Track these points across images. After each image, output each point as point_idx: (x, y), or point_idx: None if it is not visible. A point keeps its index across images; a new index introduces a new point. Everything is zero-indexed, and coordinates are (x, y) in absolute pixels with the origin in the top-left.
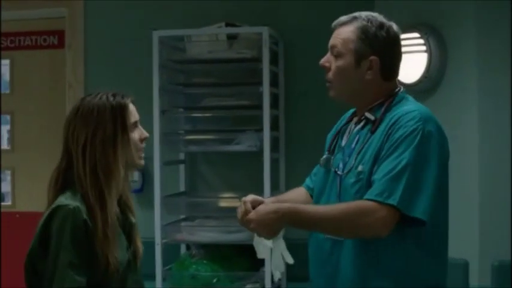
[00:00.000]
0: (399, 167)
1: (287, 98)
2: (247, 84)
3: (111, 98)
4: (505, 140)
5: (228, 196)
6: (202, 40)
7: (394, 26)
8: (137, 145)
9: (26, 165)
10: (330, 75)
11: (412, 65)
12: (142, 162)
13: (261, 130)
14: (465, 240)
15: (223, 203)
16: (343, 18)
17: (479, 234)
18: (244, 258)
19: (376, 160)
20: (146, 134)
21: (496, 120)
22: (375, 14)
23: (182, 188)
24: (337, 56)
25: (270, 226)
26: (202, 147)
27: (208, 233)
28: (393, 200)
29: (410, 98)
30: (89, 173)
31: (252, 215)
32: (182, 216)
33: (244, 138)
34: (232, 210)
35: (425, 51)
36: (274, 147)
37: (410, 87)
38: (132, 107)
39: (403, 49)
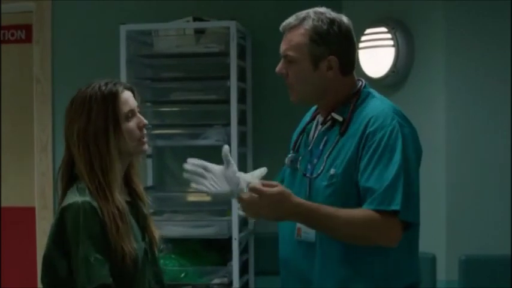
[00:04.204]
0: (393, 172)
1: (255, 92)
2: (214, 79)
3: (103, 87)
4: (472, 134)
5: (195, 190)
6: (170, 34)
7: (345, 19)
8: (133, 134)
9: None
10: (290, 80)
11: (380, 59)
12: (143, 148)
13: (228, 125)
14: (432, 235)
15: (191, 198)
16: (291, 20)
17: (446, 229)
18: (212, 252)
19: (351, 163)
20: (145, 122)
21: (463, 114)
22: (323, 10)
23: (150, 183)
24: (292, 61)
25: (280, 212)
26: (169, 142)
27: (176, 227)
28: (396, 205)
29: (374, 92)
30: (85, 166)
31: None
32: (150, 211)
33: (212, 132)
34: (200, 204)
35: (393, 45)
36: (242, 141)
37: (377, 82)
38: (126, 95)
39: (370, 44)
